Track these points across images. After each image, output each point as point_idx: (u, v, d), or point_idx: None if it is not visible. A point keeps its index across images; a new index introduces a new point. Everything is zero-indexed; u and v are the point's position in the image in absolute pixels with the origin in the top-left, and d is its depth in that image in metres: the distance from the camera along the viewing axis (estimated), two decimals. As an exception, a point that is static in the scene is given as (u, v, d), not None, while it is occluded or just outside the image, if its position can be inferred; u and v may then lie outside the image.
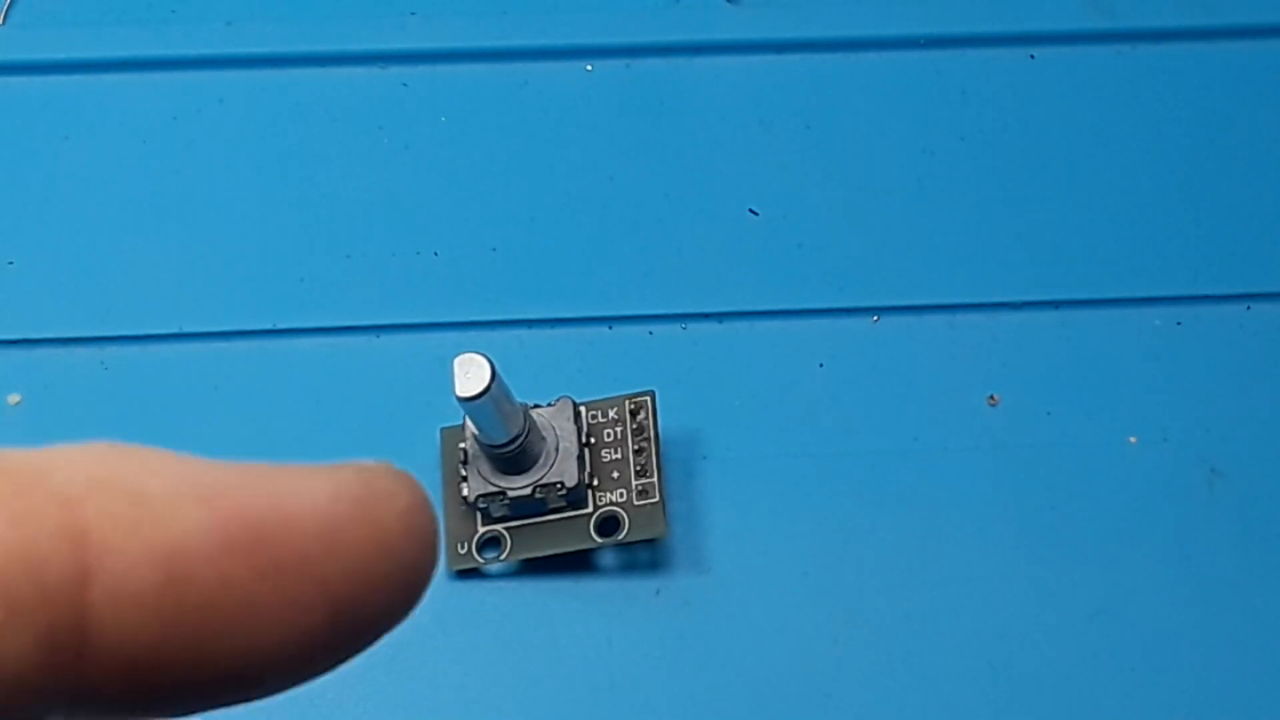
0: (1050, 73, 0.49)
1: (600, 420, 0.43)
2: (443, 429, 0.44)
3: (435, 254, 0.46)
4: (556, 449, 0.42)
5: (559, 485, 0.42)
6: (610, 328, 0.46)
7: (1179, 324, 0.46)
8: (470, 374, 0.40)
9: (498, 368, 0.40)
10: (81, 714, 0.16)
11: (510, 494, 0.42)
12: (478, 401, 0.40)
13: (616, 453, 0.43)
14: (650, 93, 0.48)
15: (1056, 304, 0.46)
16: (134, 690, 0.16)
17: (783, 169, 0.47)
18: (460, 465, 0.42)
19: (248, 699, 0.17)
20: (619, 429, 0.43)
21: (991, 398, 0.45)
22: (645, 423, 0.43)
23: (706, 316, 0.46)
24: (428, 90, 0.48)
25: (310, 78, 0.48)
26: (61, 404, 0.45)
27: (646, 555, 0.43)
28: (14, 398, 0.45)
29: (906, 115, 0.48)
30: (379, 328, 0.46)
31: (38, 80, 0.48)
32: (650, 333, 0.46)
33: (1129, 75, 0.49)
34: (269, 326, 0.46)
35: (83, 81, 0.48)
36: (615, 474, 0.43)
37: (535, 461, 0.42)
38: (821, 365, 0.46)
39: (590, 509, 0.43)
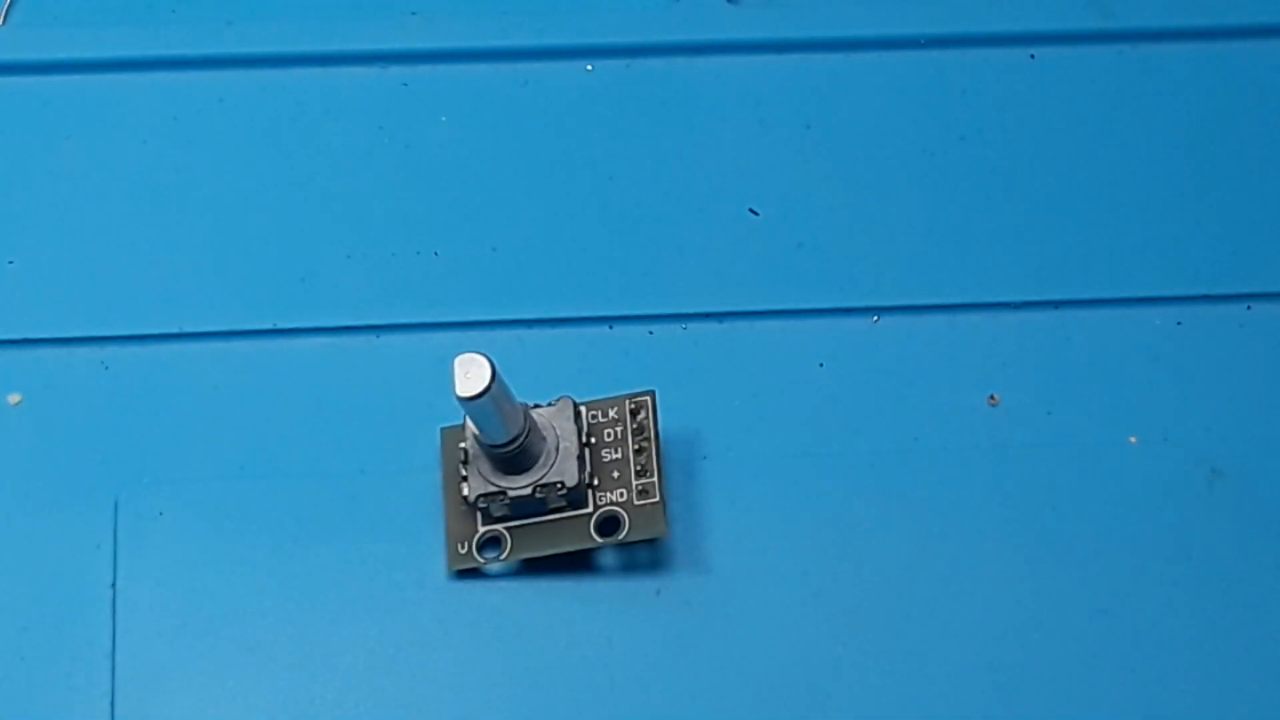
0: (1050, 73, 0.49)
1: (600, 420, 0.43)
2: (443, 429, 0.44)
3: (435, 254, 0.46)
4: (556, 449, 0.42)
5: (559, 485, 0.42)
6: (610, 328, 0.46)
7: (1179, 324, 0.46)
8: (470, 374, 0.40)
9: (498, 368, 0.40)
10: None
11: (510, 494, 0.42)
12: (478, 401, 0.40)
13: (617, 453, 0.43)
14: (650, 93, 0.48)
15: (1056, 304, 0.46)
16: None
17: (783, 169, 0.48)
18: (460, 465, 0.42)
19: None
20: (619, 429, 0.43)
21: (991, 398, 0.45)
22: (645, 423, 0.43)
23: (706, 316, 0.46)
24: (428, 90, 0.48)
25: (310, 78, 0.48)
26: (61, 404, 0.45)
27: (646, 555, 0.43)
28: (14, 398, 0.45)
29: (906, 115, 0.48)
30: (379, 328, 0.46)
31: (38, 80, 0.48)
32: (650, 333, 0.46)
33: (1129, 75, 0.49)
34: (269, 326, 0.46)
35: (83, 81, 0.48)
36: (615, 474, 0.43)
37: (535, 461, 0.42)
38: (821, 365, 0.46)
39: (590, 509, 0.43)
